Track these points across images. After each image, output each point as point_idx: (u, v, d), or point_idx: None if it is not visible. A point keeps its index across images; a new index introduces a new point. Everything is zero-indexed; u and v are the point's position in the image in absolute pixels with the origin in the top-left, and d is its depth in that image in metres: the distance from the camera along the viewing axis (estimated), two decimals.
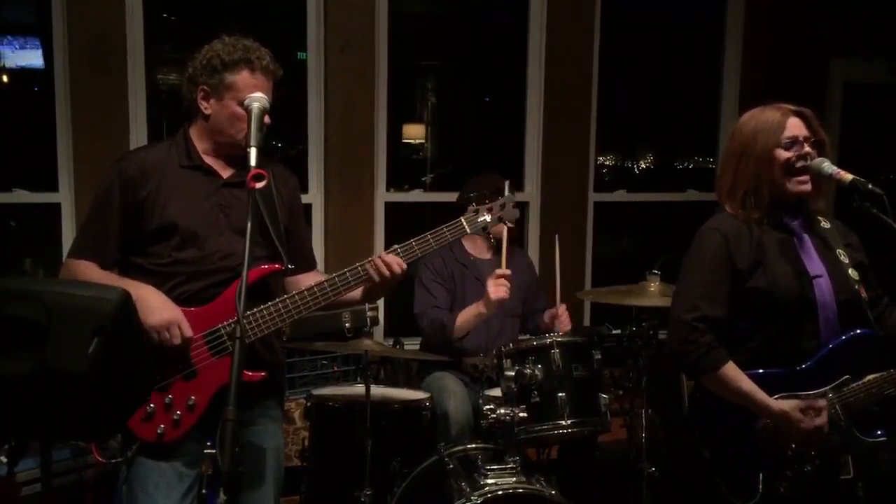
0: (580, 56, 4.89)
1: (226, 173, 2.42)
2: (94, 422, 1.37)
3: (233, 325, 2.24)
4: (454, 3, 5.31)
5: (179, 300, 2.30)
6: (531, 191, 4.89)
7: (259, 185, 1.87)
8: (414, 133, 5.31)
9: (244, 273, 1.77)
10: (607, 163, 5.71)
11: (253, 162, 1.90)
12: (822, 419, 2.30)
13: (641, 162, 6.30)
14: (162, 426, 2.26)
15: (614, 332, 3.92)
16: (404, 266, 2.38)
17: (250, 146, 1.93)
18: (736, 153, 2.43)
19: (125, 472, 2.31)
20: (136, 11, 4.21)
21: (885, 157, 5.39)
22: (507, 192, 2.65)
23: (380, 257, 2.37)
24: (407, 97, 5.13)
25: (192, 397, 2.28)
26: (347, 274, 2.37)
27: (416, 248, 2.41)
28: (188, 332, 2.25)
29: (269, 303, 2.32)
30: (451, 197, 4.46)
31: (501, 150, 5.32)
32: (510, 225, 2.61)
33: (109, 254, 2.36)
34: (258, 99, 2.11)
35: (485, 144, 5.44)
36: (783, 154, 2.35)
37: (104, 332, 1.31)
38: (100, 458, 2.93)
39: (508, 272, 3.27)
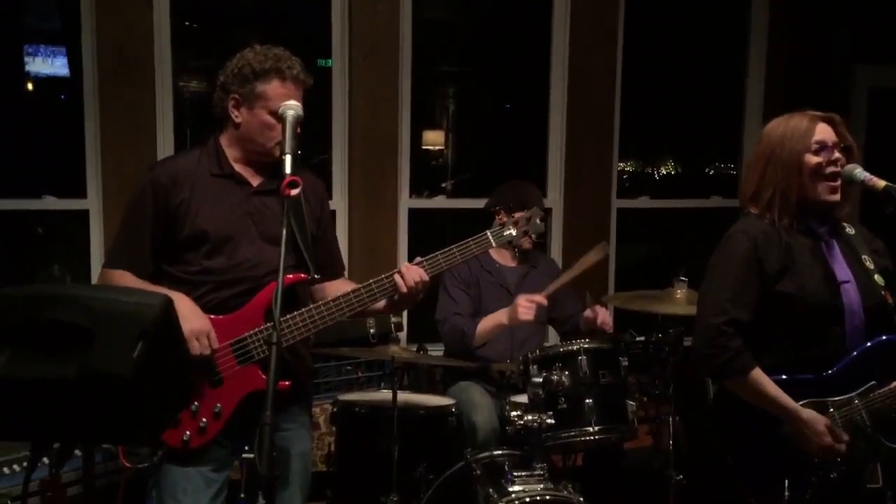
0: (603, 62, 4.89)
1: (256, 181, 2.44)
2: (136, 426, 1.39)
3: (261, 334, 2.30)
4: (475, 10, 5.33)
5: (207, 308, 2.32)
6: (554, 197, 4.89)
7: (294, 192, 1.90)
8: (433, 139, 5.33)
9: (279, 280, 1.79)
10: (628, 169, 5.71)
11: (288, 169, 1.92)
12: (840, 446, 2.28)
13: (663, 168, 6.30)
14: (188, 433, 2.28)
15: (638, 338, 3.91)
16: (427, 279, 2.39)
17: (285, 153, 1.96)
18: (763, 159, 2.41)
19: (154, 478, 2.34)
20: (164, 20, 4.25)
21: None
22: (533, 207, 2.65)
23: (405, 269, 2.38)
24: (427, 103, 5.15)
25: (218, 405, 2.31)
26: (374, 286, 2.37)
27: (441, 260, 2.42)
28: (216, 342, 2.28)
29: (296, 312, 2.34)
30: (475, 203, 4.52)
31: (523, 156, 5.33)
32: (534, 238, 2.62)
33: (143, 263, 2.38)
34: (292, 107, 2.13)
35: (506, 151, 5.45)
36: (813, 159, 2.34)
37: (148, 337, 1.33)
38: (127, 464, 2.97)
39: (545, 303, 3.28)
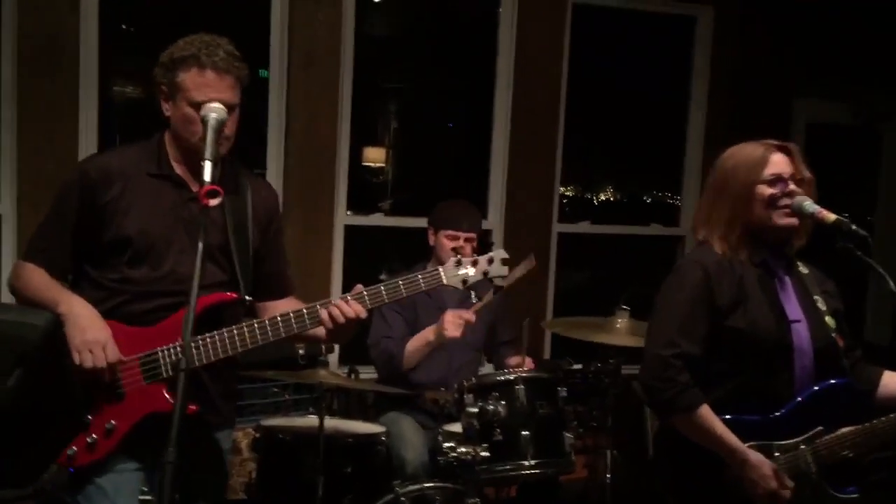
0: (548, 86, 4.84)
1: (196, 186, 2.20)
2: (13, 464, 1.20)
3: (173, 350, 2.11)
4: (419, 27, 5.24)
5: (122, 320, 2.14)
6: (495, 219, 4.80)
7: (213, 202, 1.74)
8: (374, 156, 5.20)
9: (192, 300, 1.63)
10: (567, 193, 5.66)
11: (207, 177, 1.76)
12: (786, 492, 2.19)
13: (601, 194, 6.28)
14: (74, 448, 2.03)
15: (575, 366, 3.81)
16: (364, 314, 2.17)
17: (205, 159, 1.79)
18: (715, 188, 2.35)
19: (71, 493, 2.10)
20: (91, 20, 4.05)
21: (847, 197, 5.42)
22: (495, 248, 2.42)
23: (337, 304, 2.16)
24: (368, 120, 5.02)
25: (113, 421, 2.10)
26: (305, 313, 2.18)
27: (385, 295, 2.20)
28: (114, 355, 2.07)
29: (214, 332, 2.15)
30: (414, 222, 4.41)
31: (464, 176, 5.24)
32: (499, 283, 2.36)
33: (60, 260, 2.22)
34: (215, 110, 1.99)
35: (448, 171, 5.36)
36: (766, 190, 2.27)
37: (28, 362, 1.15)
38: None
39: (473, 319, 3.16)
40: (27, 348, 1.17)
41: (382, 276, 5.17)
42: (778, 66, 5.14)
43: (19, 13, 3.94)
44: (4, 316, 1.21)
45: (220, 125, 1.95)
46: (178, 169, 2.24)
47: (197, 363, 2.11)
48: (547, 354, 4.90)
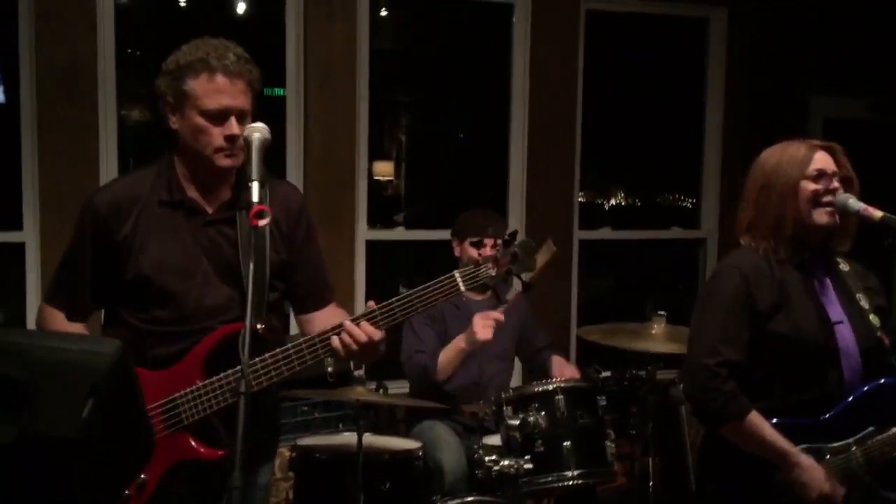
0: (564, 95, 4.80)
1: (211, 207, 2.12)
2: (85, 496, 1.19)
3: (192, 395, 2.00)
4: (428, 38, 5.22)
5: (152, 363, 2.03)
6: (515, 229, 4.76)
7: (262, 222, 1.71)
8: (383, 170, 5.19)
9: (247, 321, 1.60)
10: (579, 199, 5.64)
11: (255, 197, 1.73)
12: (838, 496, 2.17)
13: (612, 199, 6.25)
14: None
15: (604, 373, 3.78)
16: (377, 336, 1.99)
17: (252, 180, 1.76)
18: (757, 187, 2.31)
19: None
20: (108, 45, 4.05)
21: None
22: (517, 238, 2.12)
23: (348, 330, 1.98)
24: (377, 133, 5.01)
25: (143, 475, 1.98)
26: (318, 345, 2.01)
27: (398, 311, 2.01)
28: None
29: (221, 374, 2.01)
30: (435, 235, 4.39)
31: (480, 187, 5.23)
32: (524, 279, 2.09)
33: (79, 304, 2.12)
34: (258, 129, 1.91)
35: (462, 182, 5.34)
36: (810, 186, 2.25)
37: (99, 392, 1.13)
38: None
39: (502, 318, 3.13)
40: (97, 378, 1.15)
41: (402, 290, 5.17)
42: (793, 63, 5.11)
43: (37, 41, 3.94)
44: (74, 346, 1.19)
45: (265, 145, 1.88)
46: (191, 191, 2.11)
47: (220, 404, 2.00)
48: (574, 362, 4.86)
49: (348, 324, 1.98)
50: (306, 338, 2.03)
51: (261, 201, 1.75)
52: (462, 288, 2.01)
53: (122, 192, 2.11)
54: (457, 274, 2.02)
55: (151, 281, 2.04)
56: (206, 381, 2.02)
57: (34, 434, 1.13)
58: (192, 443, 2.02)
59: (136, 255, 2.05)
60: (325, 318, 2.19)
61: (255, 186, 1.75)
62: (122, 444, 1.23)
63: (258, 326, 1.97)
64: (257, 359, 1.99)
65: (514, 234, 2.11)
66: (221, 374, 2.00)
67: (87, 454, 1.13)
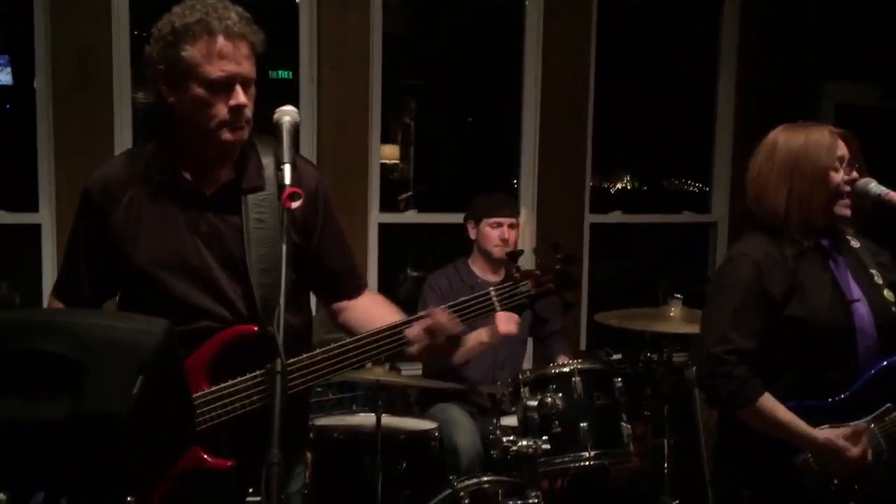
0: (576, 78, 4.81)
1: (210, 188, 1.91)
2: (132, 471, 1.22)
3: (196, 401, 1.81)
4: (439, 21, 5.22)
5: None
6: (526, 213, 4.79)
7: (295, 204, 1.69)
8: (390, 153, 5.20)
9: (279, 318, 1.58)
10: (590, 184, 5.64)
11: (288, 180, 1.72)
12: (864, 444, 2.19)
13: (618, 183, 6.26)
14: None
15: (614, 356, 3.80)
16: (459, 328, 1.87)
17: (284, 163, 1.76)
18: (786, 171, 2.25)
19: None
20: (123, 31, 4.08)
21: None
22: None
23: (428, 322, 1.84)
24: (385, 117, 5.02)
25: None
26: (383, 337, 1.85)
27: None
28: None
29: (227, 384, 1.83)
30: (447, 218, 4.42)
31: (488, 171, 5.24)
32: (567, 300, 2.08)
33: (78, 296, 1.97)
34: (288, 113, 1.81)
35: (471, 166, 5.34)
36: (836, 177, 2.24)
37: (148, 370, 1.16)
38: None
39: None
40: (147, 356, 1.18)
41: (413, 273, 5.20)
42: (805, 48, 5.11)
43: (52, 26, 3.96)
44: (124, 324, 1.21)
45: (296, 128, 1.81)
46: (189, 170, 1.91)
47: (237, 410, 1.83)
48: (583, 345, 4.90)
49: (438, 311, 1.86)
50: (373, 332, 1.87)
51: (292, 184, 1.72)
52: (497, 307, 1.91)
53: (113, 172, 1.95)
54: (492, 292, 1.91)
55: (146, 275, 1.88)
56: (223, 385, 1.84)
57: (84, 411, 1.16)
58: (199, 452, 1.82)
59: (127, 244, 1.89)
60: (366, 305, 2.05)
61: (287, 169, 1.73)
62: (166, 425, 1.25)
63: (269, 328, 1.81)
64: (303, 356, 1.85)
65: (557, 245, 1.98)
66: (239, 378, 1.83)
67: (134, 433, 1.16)
